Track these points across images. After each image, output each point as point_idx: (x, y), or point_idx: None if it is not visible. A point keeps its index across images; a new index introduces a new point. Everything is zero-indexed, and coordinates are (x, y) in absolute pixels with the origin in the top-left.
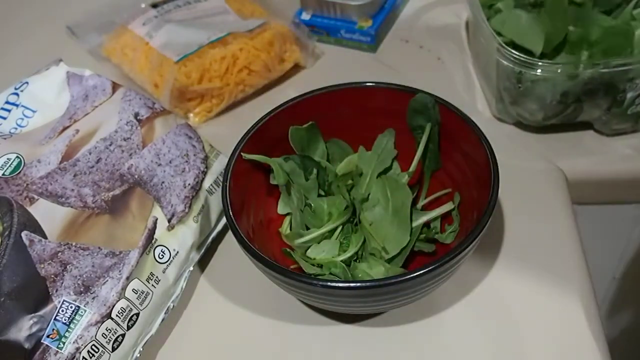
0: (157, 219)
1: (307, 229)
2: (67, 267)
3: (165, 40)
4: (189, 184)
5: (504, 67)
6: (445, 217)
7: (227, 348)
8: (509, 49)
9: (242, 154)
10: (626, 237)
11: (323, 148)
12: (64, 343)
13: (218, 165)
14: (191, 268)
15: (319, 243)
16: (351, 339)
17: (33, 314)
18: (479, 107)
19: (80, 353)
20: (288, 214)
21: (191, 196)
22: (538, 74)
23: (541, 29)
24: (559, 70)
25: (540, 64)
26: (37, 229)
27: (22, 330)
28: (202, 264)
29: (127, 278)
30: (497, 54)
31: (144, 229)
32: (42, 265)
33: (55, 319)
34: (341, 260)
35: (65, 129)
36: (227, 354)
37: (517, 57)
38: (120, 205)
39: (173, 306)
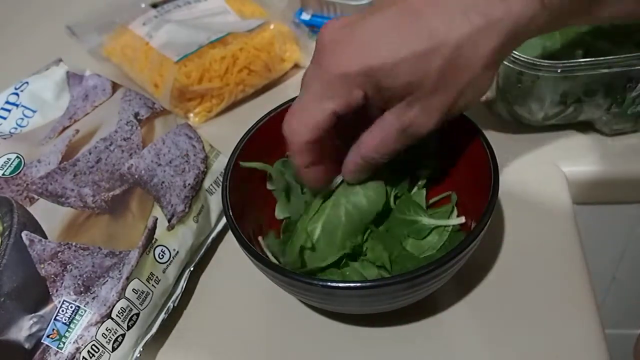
0: (157, 219)
1: None
2: (67, 267)
3: (165, 40)
4: (189, 184)
5: (504, 67)
6: None
7: (227, 348)
8: None
9: (240, 162)
10: (626, 237)
11: None
12: (64, 343)
13: (218, 165)
14: (191, 268)
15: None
16: (351, 339)
17: (33, 314)
18: (478, 107)
19: (80, 353)
20: (287, 218)
21: (191, 196)
22: (538, 74)
23: (541, 42)
24: (559, 71)
25: (540, 64)
26: (37, 229)
27: (22, 330)
28: (202, 264)
29: (127, 278)
30: None
31: (144, 228)
32: (42, 265)
33: (55, 319)
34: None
35: (65, 129)
36: (227, 354)
37: (517, 57)
38: (120, 205)
39: (173, 306)
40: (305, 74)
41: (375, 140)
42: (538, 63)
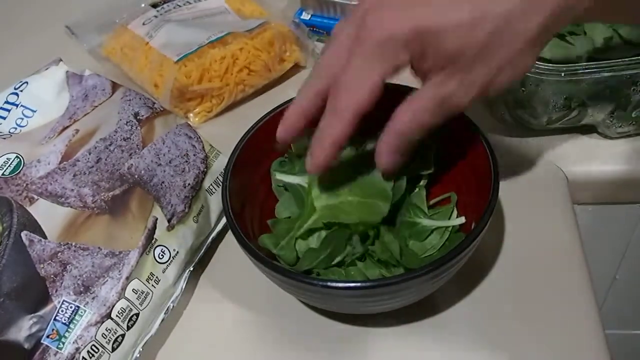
0: (157, 219)
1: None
2: (67, 267)
3: (165, 40)
4: (189, 184)
5: None
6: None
7: (227, 348)
8: None
9: None
10: (627, 237)
11: None
12: (63, 343)
13: (218, 165)
14: (191, 268)
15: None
16: (351, 339)
17: (33, 314)
18: (480, 109)
19: (80, 353)
20: (288, 217)
21: (191, 196)
22: (542, 77)
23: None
24: (563, 74)
25: (544, 67)
26: (36, 229)
27: (22, 330)
28: (202, 264)
29: (127, 278)
30: None
31: (143, 229)
32: (42, 266)
33: (55, 319)
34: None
35: (65, 129)
36: (227, 354)
37: None
38: (120, 205)
39: (173, 306)
40: (336, 38)
41: (409, 112)
42: (542, 67)
